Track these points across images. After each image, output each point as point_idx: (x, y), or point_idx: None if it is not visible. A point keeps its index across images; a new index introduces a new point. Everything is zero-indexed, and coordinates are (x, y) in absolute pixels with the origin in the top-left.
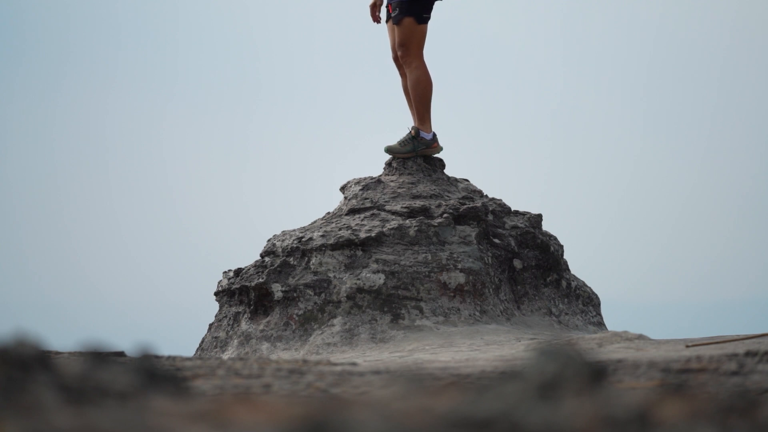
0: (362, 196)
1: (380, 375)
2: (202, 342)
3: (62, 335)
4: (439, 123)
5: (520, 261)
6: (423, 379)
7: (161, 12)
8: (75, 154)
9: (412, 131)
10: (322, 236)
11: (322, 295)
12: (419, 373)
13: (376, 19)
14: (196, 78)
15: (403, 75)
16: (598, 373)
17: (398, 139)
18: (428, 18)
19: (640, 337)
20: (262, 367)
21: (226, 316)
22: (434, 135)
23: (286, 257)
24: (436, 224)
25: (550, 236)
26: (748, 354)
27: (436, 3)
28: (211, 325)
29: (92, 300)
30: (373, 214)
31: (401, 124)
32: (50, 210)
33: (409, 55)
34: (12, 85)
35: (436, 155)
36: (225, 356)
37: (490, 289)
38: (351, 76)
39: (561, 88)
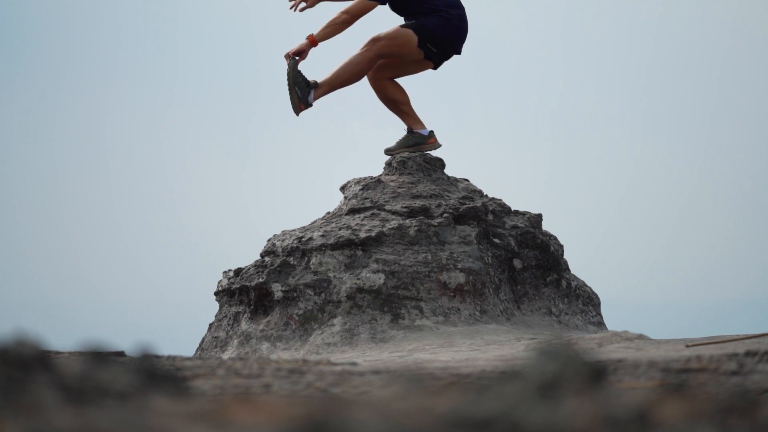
0: (362, 196)
1: (380, 375)
2: (202, 342)
3: (62, 335)
4: (440, 122)
5: (520, 261)
6: (423, 379)
7: (161, 12)
8: (75, 154)
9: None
10: (322, 236)
11: (322, 294)
12: (419, 373)
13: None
14: (196, 78)
15: (374, 88)
16: (598, 373)
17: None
18: (433, 53)
19: (640, 337)
20: (262, 367)
21: (226, 316)
22: (431, 132)
23: (286, 257)
24: (436, 224)
25: (550, 236)
26: (748, 354)
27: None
28: (211, 325)
29: (92, 300)
30: (373, 214)
31: (401, 124)
32: (50, 210)
33: (375, 45)
34: (12, 85)
35: (433, 152)
36: (225, 356)
37: (490, 289)
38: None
39: (561, 88)
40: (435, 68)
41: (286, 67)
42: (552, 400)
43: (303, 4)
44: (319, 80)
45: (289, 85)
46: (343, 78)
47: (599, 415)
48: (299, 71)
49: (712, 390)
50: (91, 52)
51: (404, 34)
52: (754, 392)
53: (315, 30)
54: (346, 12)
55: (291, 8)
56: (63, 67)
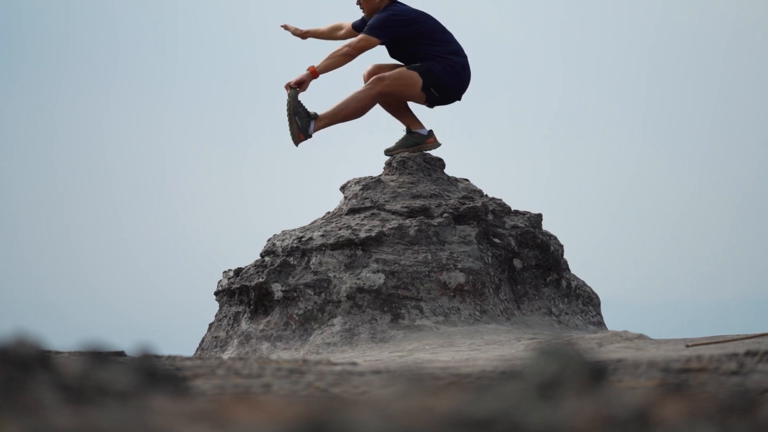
0: (362, 196)
1: (380, 375)
2: (202, 342)
3: (62, 335)
4: (439, 122)
5: (520, 261)
6: (423, 379)
7: (161, 12)
8: (75, 154)
9: None
10: (322, 236)
11: (322, 294)
12: (419, 372)
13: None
14: (195, 77)
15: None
16: (598, 373)
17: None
18: (435, 97)
19: (640, 337)
20: (262, 366)
21: (226, 316)
22: (430, 131)
23: (286, 257)
24: (436, 224)
25: (550, 236)
26: (748, 354)
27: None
28: (211, 324)
29: (92, 300)
30: (373, 214)
31: (400, 124)
32: (50, 210)
33: (379, 84)
34: (12, 85)
35: (432, 152)
36: (225, 356)
37: (490, 289)
38: (351, 75)
39: (561, 87)
40: (429, 107)
41: (286, 97)
42: (552, 400)
43: (292, 28)
44: (319, 112)
45: (289, 114)
46: (345, 113)
47: (599, 415)
48: (300, 102)
49: (712, 390)
50: (90, 52)
51: (409, 76)
52: (754, 392)
53: (317, 60)
54: (348, 45)
55: (283, 26)
56: (62, 67)
